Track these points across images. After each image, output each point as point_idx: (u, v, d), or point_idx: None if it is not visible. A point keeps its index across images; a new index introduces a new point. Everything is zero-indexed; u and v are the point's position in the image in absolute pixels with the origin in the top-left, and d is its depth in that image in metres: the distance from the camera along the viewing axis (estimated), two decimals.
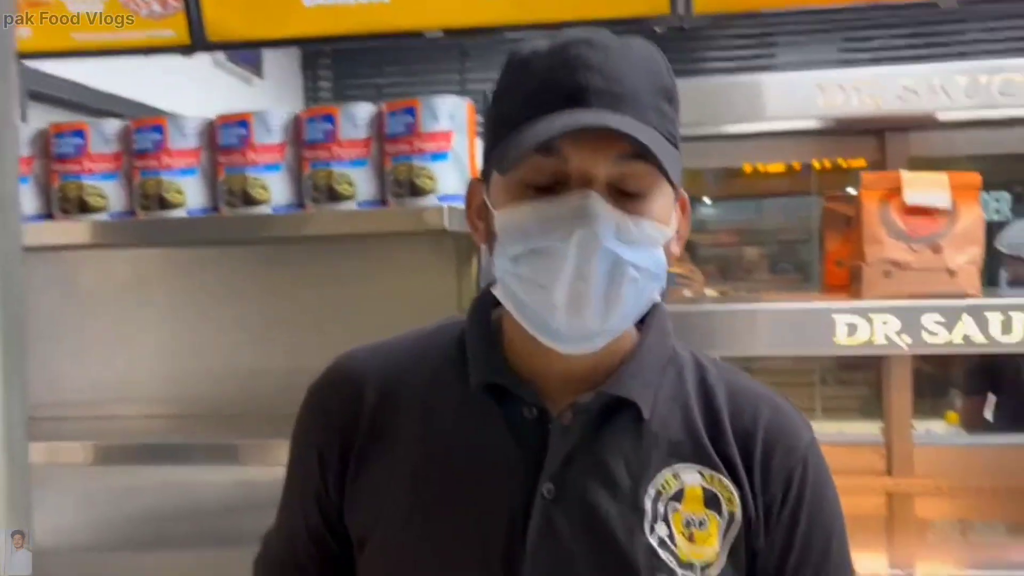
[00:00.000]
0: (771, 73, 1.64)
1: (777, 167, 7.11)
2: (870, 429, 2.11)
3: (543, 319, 0.89)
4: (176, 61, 2.48)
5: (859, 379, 5.81)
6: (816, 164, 6.43)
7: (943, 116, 1.71)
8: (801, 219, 6.39)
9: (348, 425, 0.99)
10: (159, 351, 1.87)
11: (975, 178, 1.63)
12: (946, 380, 4.81)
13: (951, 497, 1.98)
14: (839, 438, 2.41)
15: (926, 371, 5.69)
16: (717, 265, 6.33)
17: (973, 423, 3.12)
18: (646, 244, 0.88)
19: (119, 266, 1.88)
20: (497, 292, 0.93)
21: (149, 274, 1.88)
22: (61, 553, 1.86)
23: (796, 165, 6.99)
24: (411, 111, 1.55)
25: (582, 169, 0.86)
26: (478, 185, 0.97)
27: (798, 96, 1.62)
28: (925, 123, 1.83)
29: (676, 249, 0.97)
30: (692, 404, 0.96)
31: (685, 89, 1.66)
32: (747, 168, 7.14)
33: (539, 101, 0.87)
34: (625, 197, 0.88)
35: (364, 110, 1.60)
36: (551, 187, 0.88)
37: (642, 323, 0.99)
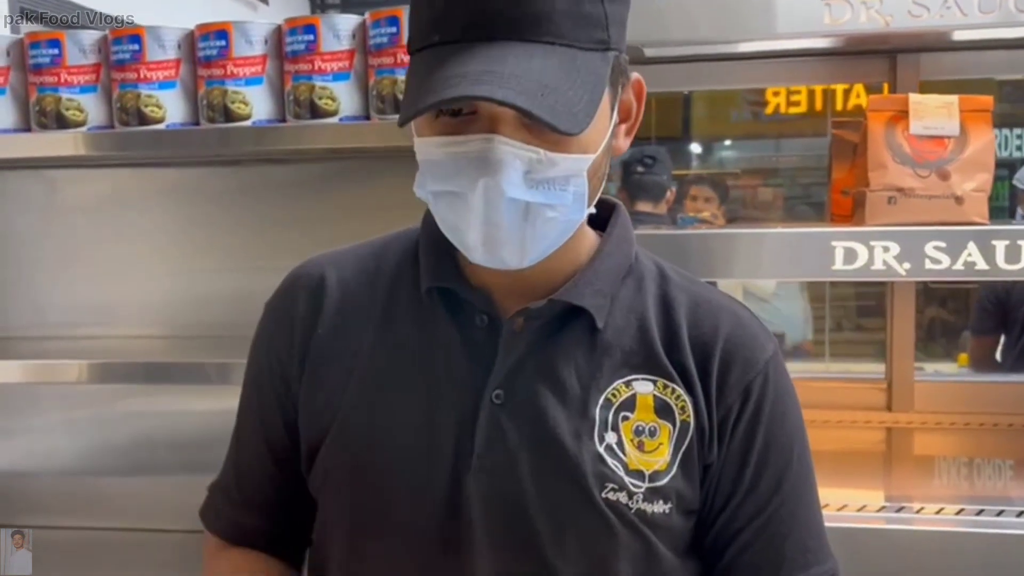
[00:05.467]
0: None
1: (797, 108, 6.99)
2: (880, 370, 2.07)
3: (467, 250, 0.87)
4: None
5: (878, 325, 5.75)
6: (839, 106, 6.31)
7: (958, 36, 1.63)
8: (818, 158, 6.29)
9: (308, 327, 0.96)
10: (144, 272, 1.83)
11: (987, 101, 1.55)
12: (963, 325, 4.75)
13: (954, 434, 1.94)
14: (843, 375, 2.37)
15: (942, 316, 5.64)
16: (735, 205, 6.27)
17: (982, 364, 3.06)
18: (563, 181, 0.83)
19: (101, 184, 1.83)
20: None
21: (132, 195, 1.83)
22: (44, 476, 1.85)
23: (818, 106, 6.88)
24: (394, 21, 1.48)
25: (489, 107, 0.80)
26: None
27: (805, 11, 1.54)
28: (940, 43, 1.74)
29: (624, 143, 0.91)
30: (649, 316, 0.93)
31: (695, 4, 1.61)
32: (768, 110, 7.03)
33: (442, 24, 0.81)
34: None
35: (347, 21, 1.53)
36: (468, 116, 0.82)
37: (604, 228, 0.95)
